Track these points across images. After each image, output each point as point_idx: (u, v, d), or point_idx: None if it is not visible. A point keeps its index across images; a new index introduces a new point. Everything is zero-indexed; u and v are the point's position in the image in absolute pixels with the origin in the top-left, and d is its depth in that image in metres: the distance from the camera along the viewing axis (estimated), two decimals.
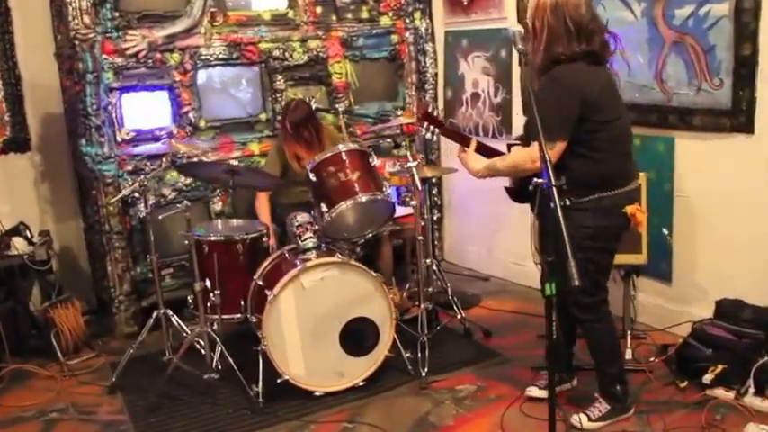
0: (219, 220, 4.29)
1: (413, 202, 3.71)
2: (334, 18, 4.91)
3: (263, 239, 3.86)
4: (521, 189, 3.03)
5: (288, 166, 4.28)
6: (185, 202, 3.51)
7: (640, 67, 3.88)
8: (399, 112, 5.10)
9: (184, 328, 3.84)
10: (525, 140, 3.10)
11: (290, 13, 4.76)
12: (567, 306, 3.00)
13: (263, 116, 4.74)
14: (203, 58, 4.50)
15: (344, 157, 3.59)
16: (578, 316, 3.06)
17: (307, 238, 3.54)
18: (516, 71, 4.67)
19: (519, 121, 4.64)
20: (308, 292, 3.40)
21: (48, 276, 4.33)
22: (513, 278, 5.00)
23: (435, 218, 5.43)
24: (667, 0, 3.67)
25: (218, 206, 4.62)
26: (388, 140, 5.09)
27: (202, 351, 3.64)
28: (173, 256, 4.48)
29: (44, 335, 4.16)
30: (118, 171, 4.30)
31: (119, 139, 4.31)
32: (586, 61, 2.83)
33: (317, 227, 3.59)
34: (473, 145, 3.18)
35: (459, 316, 4.14)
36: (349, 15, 4.97)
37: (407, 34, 5.19)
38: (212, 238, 3.74)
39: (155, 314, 3.83)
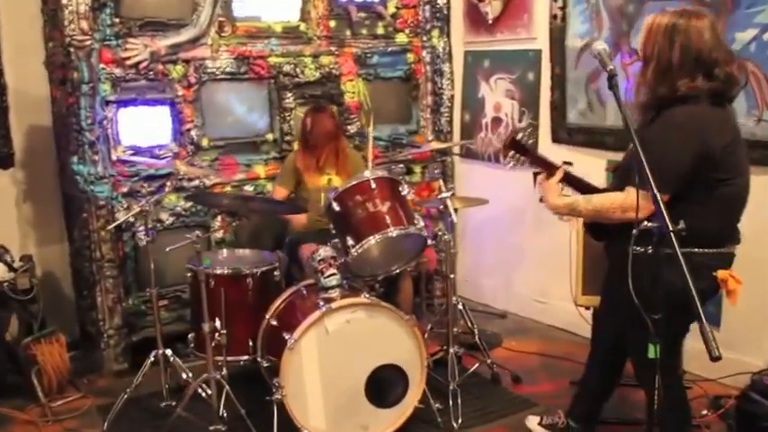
0: (225, 250, 3.90)
1: (446, 237, 3.38)
2: (348, 33, 4.58)
3: (275, 273, 3.50)
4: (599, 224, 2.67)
5: (301, 181, 3.97)
6: (196, 232, 3.13)
7: None
8: (426, 137, 4.77)
9: (186, 370, 3.48)
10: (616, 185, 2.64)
11: (303, 27, 4.43)
12: (636, 368, 2.65)
13: (270, 136, 4.39)
14: (209, 71, 4.14)
15: (373, 186, 3.24)
16: (644, 379, 2.66)
17: (330, 275, 3.16)
18: (546, 95, 4.37)
19: (546, 148, 4.34)
20: (332, 336, 3.03)
21: (30, 307, 3.90)
22: (534, 315, 4.67)
23: None
24: (726, 23, 3.39)
25: (218, 233, 4.23)
26: (400, 165, 4.77)
27: (203, 395, 3.29)
28: (168, 287, 4.08)
29: (24, 373, 3.74)
30: (112, 192, 3.92)
31: (114, 158, 3.93)
32: (709, 101, 2.37)
33: (340, 261, 3.23)
34: (558, 175, 2.66)
35: (488, 360, 3.80)
36: (364, 31, 4.63)
37: (424, 53, 4.86)
38: (219, 272, 3.39)
39: (152, 354, 3.47)
